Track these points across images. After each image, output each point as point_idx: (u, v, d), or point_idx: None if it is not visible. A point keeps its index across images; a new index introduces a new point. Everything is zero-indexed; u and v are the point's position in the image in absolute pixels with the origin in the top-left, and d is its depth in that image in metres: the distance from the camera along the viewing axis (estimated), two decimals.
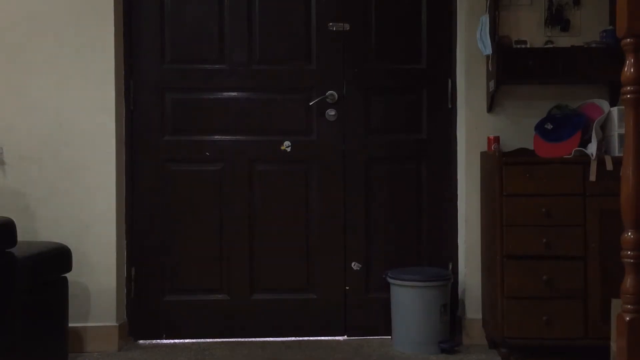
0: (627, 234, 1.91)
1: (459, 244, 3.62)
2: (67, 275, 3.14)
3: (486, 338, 3.46)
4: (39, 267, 2.90)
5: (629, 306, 1.89)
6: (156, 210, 3.64)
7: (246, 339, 3.59)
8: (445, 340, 3.38)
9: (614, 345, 2.35)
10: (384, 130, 3.69)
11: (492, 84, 3.39)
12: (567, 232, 3.10)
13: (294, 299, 3.64)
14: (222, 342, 3.55)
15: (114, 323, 3.45)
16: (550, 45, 3.48)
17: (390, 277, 3.44)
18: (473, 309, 3.53)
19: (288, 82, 3.67)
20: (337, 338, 3.62)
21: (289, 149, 3.64)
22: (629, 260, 1.91)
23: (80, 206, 3.44)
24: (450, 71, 3.66)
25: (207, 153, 3.64)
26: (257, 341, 3.57)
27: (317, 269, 3.66)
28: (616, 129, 3.17)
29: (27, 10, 3.44)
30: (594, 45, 3.41)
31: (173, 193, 3.65)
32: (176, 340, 3.60)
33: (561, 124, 3.30)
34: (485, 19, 3.38)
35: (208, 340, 3.58)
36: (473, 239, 3.54)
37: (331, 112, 3.62)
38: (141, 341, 3.60)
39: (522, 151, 3.42)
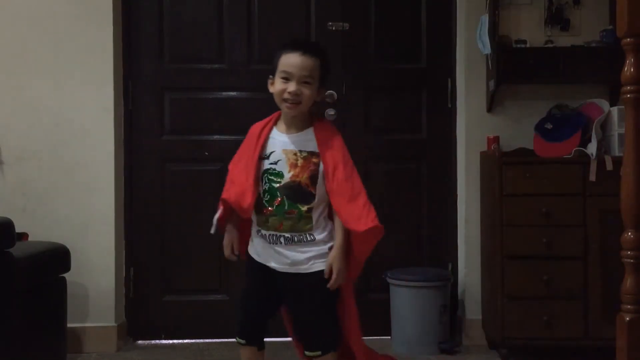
0: (627, 234, 1.90)
1: (459, 244, 3.62)
2: (65, 275, 3.14)
3: (486, 338, 3.45)
4: (37, 267, 2.89)
5: (629, 306, 1.89)
6: (155, 210, 3.64)
7: None
8: (445, 341, 3.37)
9: None
10: (383, 130, 3.68)
11: (492, 83, 3.39)
12: (567, 232, 3.10)
13: None
14: (222, 342, 3.53)
15: (112, 323, 3.44)
16: (550, 45, 3.47)
17: (390, 278, 3.43)
18: (473, 309, 3.52)
19: None
20: None
21: None
22: (629, 260, 1.90)
23: (79, 206, 3.43)
24: (450, 71, 3.65)
25: (207, 153, 3.63)
26: None
27: None
28: (616, 129, 3.17)
29: (26, 10, 3.44)
30: (594, 45, 3.41)
31: (172, 193, 3.64)
32: (175, 341, 3.60)
33: (561, 124, 3.30)
34: (485, 19, 3.37)
35: (207, 340, 3.57)
36: (473, 239, 3.53)
37: (331, 112, 3.61)
38: (140, 341, 3.59)
39: (522, 151, 3.41)
